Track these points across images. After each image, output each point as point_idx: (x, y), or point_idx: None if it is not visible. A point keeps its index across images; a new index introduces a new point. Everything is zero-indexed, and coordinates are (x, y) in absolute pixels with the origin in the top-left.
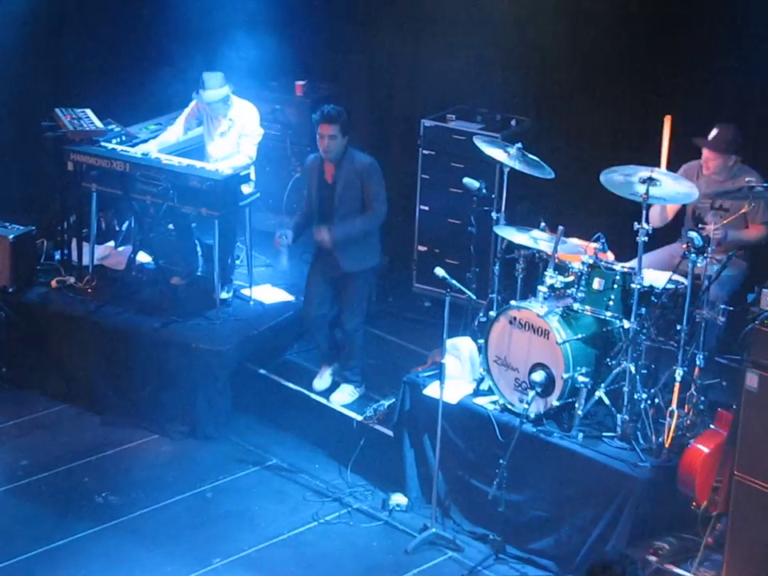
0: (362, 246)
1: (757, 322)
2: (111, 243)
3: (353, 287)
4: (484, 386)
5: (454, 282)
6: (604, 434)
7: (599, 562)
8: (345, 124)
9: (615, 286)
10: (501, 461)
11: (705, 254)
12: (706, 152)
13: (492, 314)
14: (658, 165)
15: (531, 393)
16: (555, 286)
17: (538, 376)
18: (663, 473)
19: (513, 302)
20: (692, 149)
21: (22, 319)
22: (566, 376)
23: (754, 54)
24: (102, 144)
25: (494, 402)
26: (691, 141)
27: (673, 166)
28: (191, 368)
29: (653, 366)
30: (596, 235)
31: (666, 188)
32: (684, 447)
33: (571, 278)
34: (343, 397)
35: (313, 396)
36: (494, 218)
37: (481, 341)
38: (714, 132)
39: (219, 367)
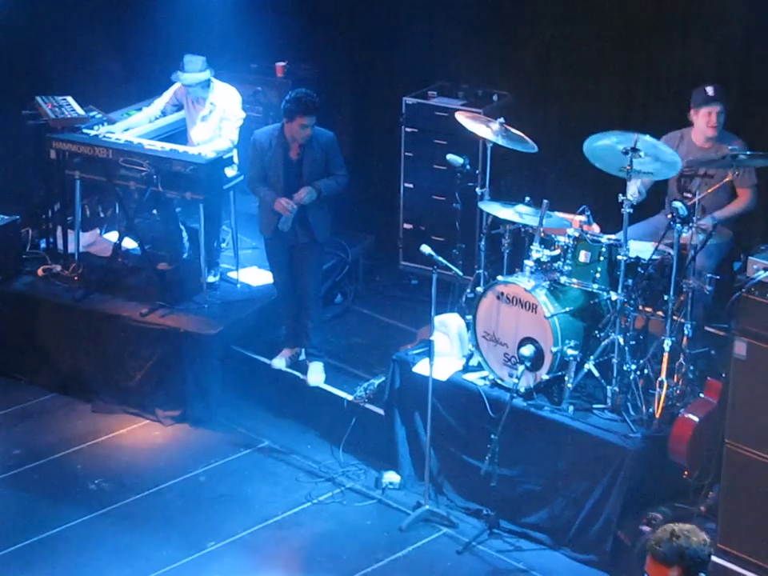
0: (329, 216)
1: (744, 290)
2: (96, 230)
3: (315, 255)
4: (473, 362)
5: (440, 258)
6: (594, 406)
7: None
8: None
9: (601, 258)
10: (492, 436)
11: (690, 224)
12: (710, 109)
13: (479, 289)
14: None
15: (521, 367)
16: (541, 260)
17: (527, 350)
18: (654, 443)
19: (500, 278)
20: (676, 120)
21: (9, 309)
22: (554, 349)
23: (733, 24)
24: (84, 131)
25: (484, 378)
26: (695, 107)
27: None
28: (180, 353)
29: (641, 337)
30: (581, 208)
31: (648, 162)
32: (674, 417)
33: (557, 252)
34: (319, 376)
35: (302, 377)
36: (479, 193)
37: (469, 317)
38: (709, 89)
39: (208, 351)
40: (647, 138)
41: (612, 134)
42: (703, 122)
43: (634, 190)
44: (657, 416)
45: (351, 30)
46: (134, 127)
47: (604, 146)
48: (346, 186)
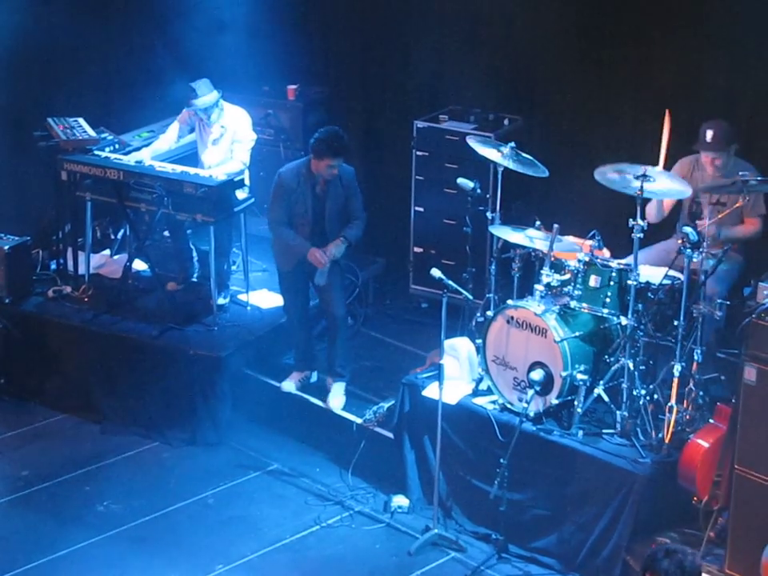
0: None
1: (754, 316)
2: (107, 252)
3: (338, 276)
4: (483, 386)
5: (450, 282)
6: (604, 431)
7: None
8: None
9: (611, 282)
10: (501, 460)
11: (700, 249)
12: (705, 154)
13: (489, 313)
14: (653, 161)
15: (530, 392)
16: (552, 284)
17: (537, 375)
18: (664, 468)
19: (510, 302)
20: (687, 144)
21: (20, 330)
22: (564, 374)
23: (743, 47)
24: (95, 153)
25: (494, 402)
26: (690, 145)
27: (669, 161)
28: (190, 375)
29: (651, 362)
30: (591, 232)
31: (660, 183)
32: (684, 442)
33: (567, 276)
34: (340, 399)
35: (312, 400)
36: (489, 217)
37: (479, 341)
38: (709, 133)
39: (218, 373)
40: (657, 169)
41: (620, 167)
42: (706, 161)
43: (653, 209)
44: (666, 441)
45: (363, 53)
46: (158, 153)
47: (614, 176)
48: (365, 229)
